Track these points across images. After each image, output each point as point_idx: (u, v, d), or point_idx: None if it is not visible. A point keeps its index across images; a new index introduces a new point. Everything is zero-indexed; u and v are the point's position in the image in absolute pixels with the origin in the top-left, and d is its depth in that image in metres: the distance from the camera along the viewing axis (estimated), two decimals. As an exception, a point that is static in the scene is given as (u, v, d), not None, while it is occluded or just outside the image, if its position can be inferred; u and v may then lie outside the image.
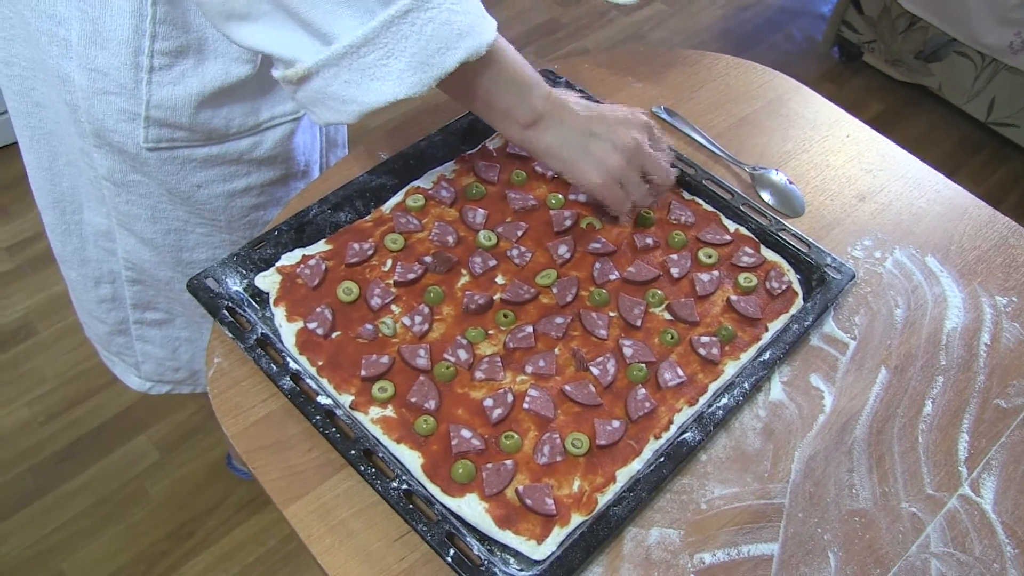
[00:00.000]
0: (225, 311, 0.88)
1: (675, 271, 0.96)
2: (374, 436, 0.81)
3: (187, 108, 0.96)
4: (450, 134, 1.08)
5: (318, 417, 0.81)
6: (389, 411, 0.83)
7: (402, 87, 0.78)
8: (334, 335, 0.88)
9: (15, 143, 1.15)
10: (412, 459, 0.79)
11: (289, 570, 1.80)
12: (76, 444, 1.98)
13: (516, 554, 0.75)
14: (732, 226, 1.01)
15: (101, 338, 1.36)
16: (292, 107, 1.06)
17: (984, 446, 0.87)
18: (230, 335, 0.86)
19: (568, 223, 1.00)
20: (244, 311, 0.89)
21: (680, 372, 0.87)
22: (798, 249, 0.98)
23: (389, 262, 0.95)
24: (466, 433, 0.81)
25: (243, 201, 1.11)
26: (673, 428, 0.84)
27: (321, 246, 0.96)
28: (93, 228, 1.17)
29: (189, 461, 1.96)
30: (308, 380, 0.84)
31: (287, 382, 0.83)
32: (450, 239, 0.97)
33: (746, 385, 0.86)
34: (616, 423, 0.83)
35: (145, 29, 0.89)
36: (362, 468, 0.77)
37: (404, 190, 1.02)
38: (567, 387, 0.85)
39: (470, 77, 0.85)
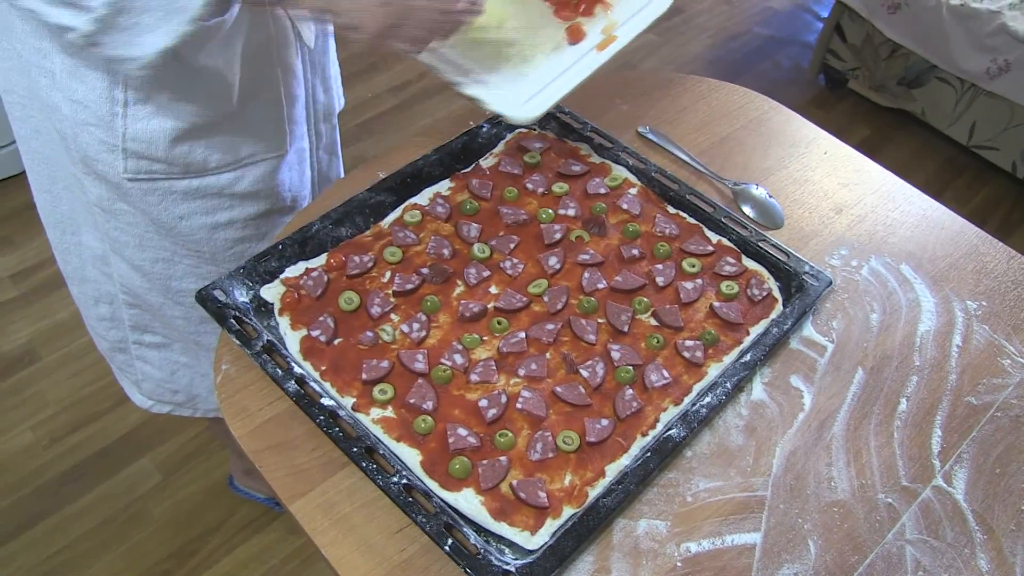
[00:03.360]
0: (232, 320, 0.92)
1: (660, 280, 1.01)
2: (375, 435, 0.85)
3: (162, 142, 0.99)
4: (445, 154, 1.13)
5: (322, 418, 0.85)
6: (389, 412, 0.87)
7: (169, 35, 0.86)
8: (336, 342, 0.93)
9: (20, 173, 1.19)
10: (411, 456, 0.84)
11: (291, 588, 1.83)
12: (79, 467, 2.01)
13: (511, 544, 0.79)
14: (715, 237, 1.06)
15: (106, 353, 1.38)
16: (274, 144, 1.09)
17: (956, 440, 0.91)
18: (237, 342, 0.91)
19: (558, 236, 1.04)
20: (250, 320, 0.93)
21: (666, 374, 0.92)
22: (778, 258, 1.03)
23: (388, 273, 0.99)
24: (463, 431, 0.85)
25: (227, 234, 1.13)
26: (659, 426, 0.88)
27: (323, 259, 1.00)
28: (91, 251, 1.19)
29: (192, 482, 1.99)
30: (312, 384, 0.89)
31: (292, 385, 0.87)
32: (446, 252, 1.02)
33: (728, 385, 0.91)
34: (605, 422, 0.87)
35: None
36: (364, 465, 0.82)
37: (402, 206, 1.07)
38: (558, 388, 0.90)
39: None
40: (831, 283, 1.01)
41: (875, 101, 3.01)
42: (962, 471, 0.89)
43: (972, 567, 0.82)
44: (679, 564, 0.81)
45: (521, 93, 1.03)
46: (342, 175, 1.38)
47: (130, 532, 1.91)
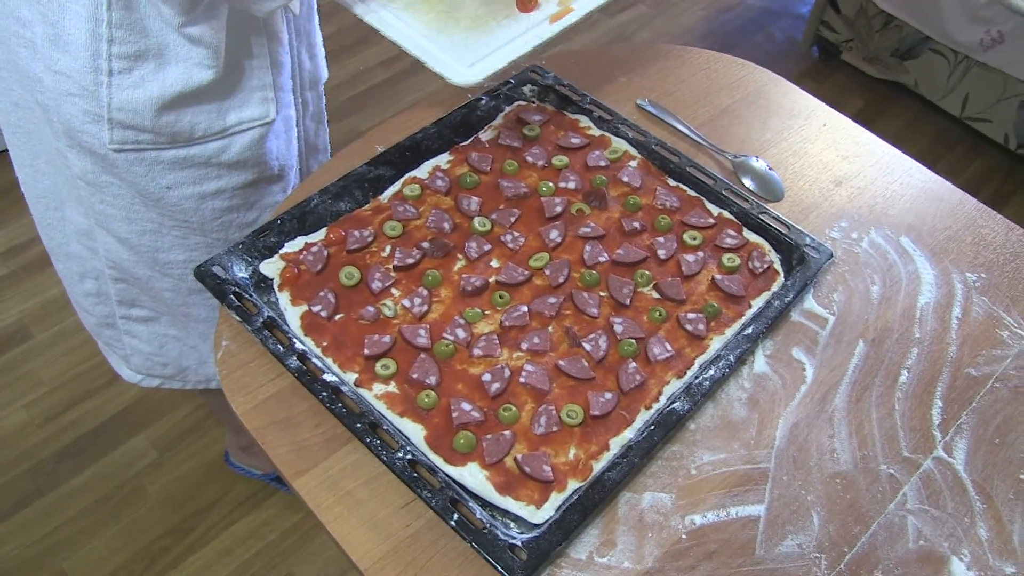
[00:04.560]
0: (232, 296, 0.92)
1: (662, 253, 1.00)
2: (378, 411, 0.85)
3: (148, 111, 0.98)
4: (444, 127, 1.12)
5: (324, 393, 0.85)
6: (392, 387, 0.87)
7: None
8: (337, 317, 0.92)
9: (5, 150, 1.17)
10: (415, 431, 0.83)
11: (289, 563, 1.83)
12: (74, 445, 2.00)
13: (516, 518, 0.80)
14: (715, 210, 1.06)
15: (93, 329, 1.37)
16: (260, 112, 1.08)
17: (956, 411, 0.92)
18: (237, 318, 0.90)
19: (559, 209, 1.04)
20: (250, 296, 0.93)
21: (668, 347, 0.92)
22: (778, 231, 1.03)
23: (388, 248, 0.99)
24: (466, 406, 0.85)
25: (214, 204, 1.12)
26: (663, 399, 0.88)
27: (323, 234, 1.00)
28: (75, 226, 1.18)
29: (188, 459, 1.99)
30: (314, 359, 0.88)
31: (294, 361, 0.87)
32: (446, 226, 1.01)
33: (731, 358, 0.91)
34: (608, 395, 0.87)
35: (102, 33, 0.91)
36: (368, 440, 0.81)
37: (401, 180, 1.06)
38: (561, 362, 0.90)
39: None
40: (832, 255, 1.01)
41: (868, 73, 3.00)
42: (962, 442, 0.90)
43: (972, 536, 0.83)
44: (684, 536, 0.81)
45: (467, 57, 1.06)
46: (328, 144, 1.37)
47: (126, 510, 1.90)
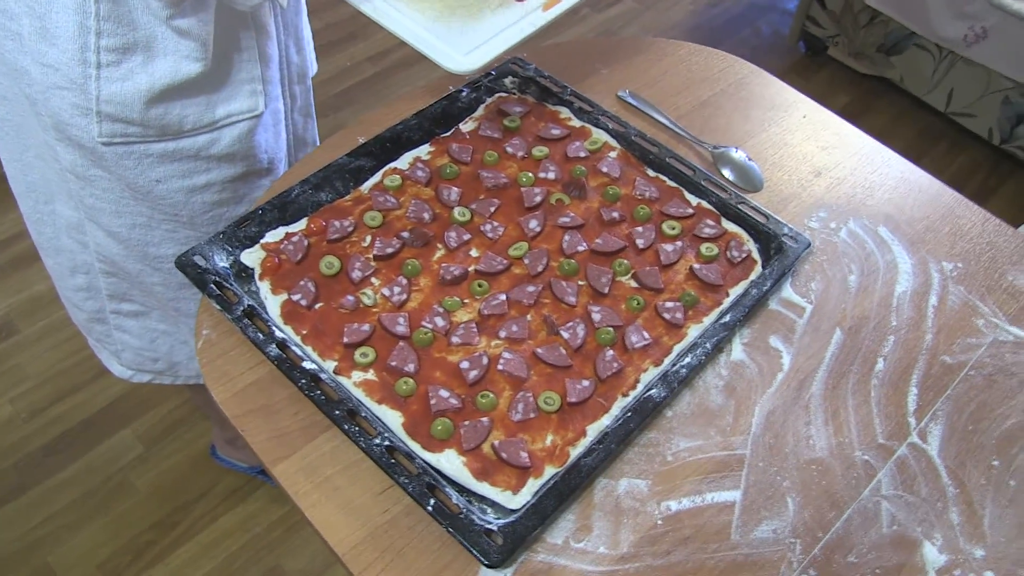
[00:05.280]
0: (212, 285, 0.92)
1: (640, 242, 1.01)
2: (357, 398, 0.86)
3: (137, 104, 0.98)
4: (424, 118, 1.13)
5: (304, 381, 0.85)
6: (371, 375, 0.87)
7: None
8: (317, 306, 0.93)
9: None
10: (393, 418, 0.84)
11: (275, 556, 1.83)
12: (60, 439, 2.00)
13: (493, 504, 0.80)
14: (694, 200, 1.07)
15: (83, 324, 1.37)
16: (249, 104, 1.08)
17: (931, 398, 0.93)
18: (218, 307, 0.90)
19: (538, 199, 1.04)
20: (231, 285, 0.93)
21: (646, 335, 0.92)
22: (757, 221, 1.04)
23: (368, 238, 0.99)
24: (444, 393, 0.86)
25: (204, 197, 1.12)
26: (640, 386, 0.89)
27: (303, 224, 1.00)
28: (65, 220, 1.18)
29: (174, 453, 1.99)
30: (293, 347, 0.89)
31: (274, 349, 0.87)
32: (426, 216, 1.02)
33: (708, 346, 0.92)
34: (586, 382, 0.88)
35: (90, 26, 0.91)
36: (346, 427, 0.82)
37: (382, 171, 1.07)
38: (539, 350, 0.90)
39: None
40: (810, 245, 1.02)
41: (854, 68, 3.01)
42: (937, 428, 0.91)
43: (944, 520, 0.84)
44: (660, 522, 0.82)
45: (463, 46, 1.08)
46: (317, 138, 1.37)
47: (113, 503, 1.91)
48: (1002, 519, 0.85)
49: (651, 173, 1.10)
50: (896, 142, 2.74)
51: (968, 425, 0.91)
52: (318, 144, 1.35)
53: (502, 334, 0.92)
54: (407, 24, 1.08)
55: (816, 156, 1.16)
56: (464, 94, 1.17)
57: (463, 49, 1.07)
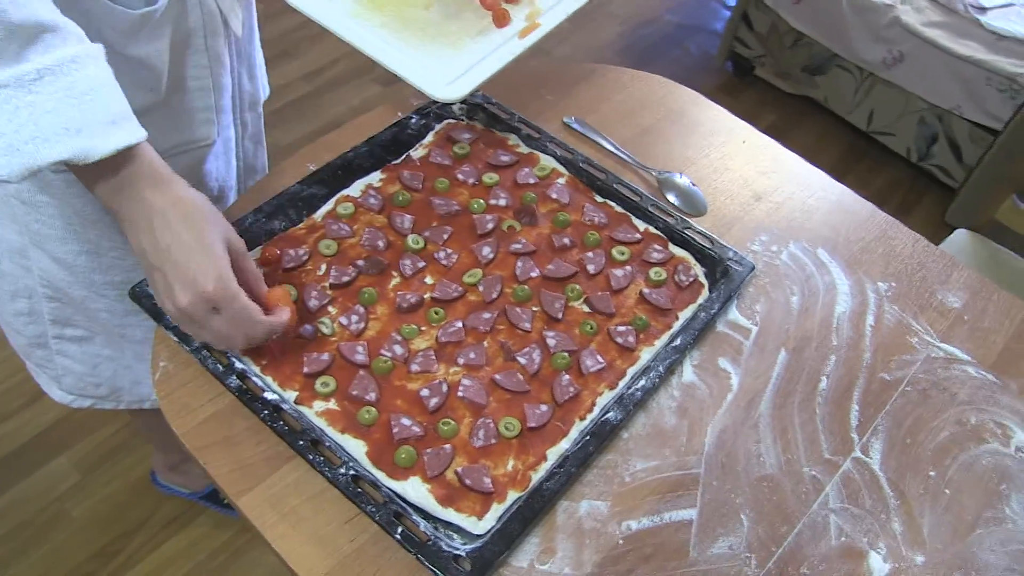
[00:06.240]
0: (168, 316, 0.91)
1: (591, 267, 1.04)
2: (320, 428, 0.86)
3: None
4: (375, 145, 1.14)
5: (265, 412, 0.85)
6: (332, 404, 0.88)
7: None
8: (275, 336, 0.93)
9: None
10: (357, 447, 0.85)
11: (220, 582, 1.81)
12: (-9, 469, 1.95)
13: (459, 530, 0.81)
14: (642, 225, 1.10)
15: (22, 349, 1.34)
16: (202, 133, 1.07)
17: (872, 414, 0.97)
18: (175, 339, 0.90)
19: (490, 226, 1.06)
20: (187, 316, 0.92)
21: (600, 359, 0.95)
22: (703, 245, 1.07)
23: (324, 266, 1.00)
24: (406, 421, 0.87)
25: None
26: (596, 410, 0.91)
27: (257, 252, 1.00)
28: (7, 244, 1.15)
29: (112, 480, 1.94)
30: (253, 378, 0.89)
31: (234, 380, 0.87)
32: (380, 243, 1.03)
33: (660, 368, 0.95)
34: (544, 407, 0.90)
35: None
36: (310, 457, 0.83)
37: (334, 199, 1.07)
38: (497, 376, 0.92)
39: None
40: (754, 268, 1.06)
41: (780, 88, 3.11)
42: (878, 443, 0.95)
43: (888, 530, 0.88)
44: (621, 542, 0.84)
45: (446, 74, 1.10)
46: (267, 165, 1.37)
47: (49, 534, 1.85)
48: (939, 526, 0.89)
49: (599, 199, 1.12)
50: (822, 160, 2.84)
51: (906, 439, 0.96)
52: (267, 171, 1.34)
53: (460, 361, 0.93)
54: (391, 52, 1.10)
55: (756, 180, 1.21)
56: (413, 120, 1.18)
57: (447, 78, 1.09)
